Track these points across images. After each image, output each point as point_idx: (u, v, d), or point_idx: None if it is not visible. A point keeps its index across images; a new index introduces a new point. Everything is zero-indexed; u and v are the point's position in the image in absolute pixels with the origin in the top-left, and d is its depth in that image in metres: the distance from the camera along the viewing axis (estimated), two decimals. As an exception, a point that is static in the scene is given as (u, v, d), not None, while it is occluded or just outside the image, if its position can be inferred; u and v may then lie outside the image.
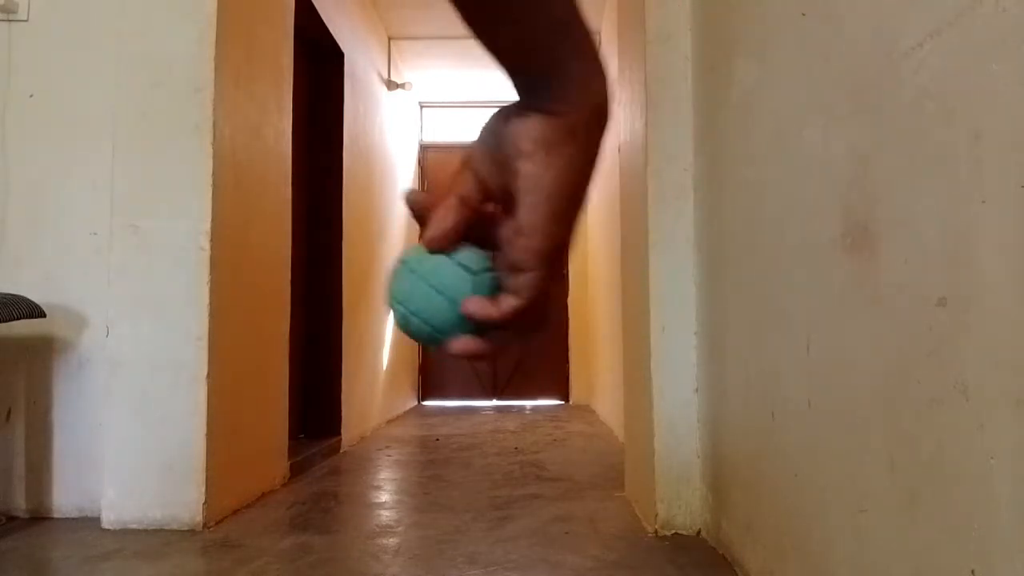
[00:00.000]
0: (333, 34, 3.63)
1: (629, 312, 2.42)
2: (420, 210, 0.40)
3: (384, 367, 4.82)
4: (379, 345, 4.68)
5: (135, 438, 2.09)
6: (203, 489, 2.07)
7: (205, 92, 2.16)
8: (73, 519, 2.20)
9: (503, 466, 3.08)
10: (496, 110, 0.39)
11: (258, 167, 2.52)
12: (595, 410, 5.39)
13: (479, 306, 0.38)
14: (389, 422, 4.85)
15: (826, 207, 1.13)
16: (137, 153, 2.16)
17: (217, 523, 2.13)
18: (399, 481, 2.94)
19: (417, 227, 0.41)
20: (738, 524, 1.66)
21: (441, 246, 0.39)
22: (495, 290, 0.39)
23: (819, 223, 1.16)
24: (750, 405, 1.57)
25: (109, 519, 2.07)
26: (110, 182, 2.17)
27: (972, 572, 0.74)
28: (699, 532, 1.96)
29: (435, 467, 3.15)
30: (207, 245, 2.13)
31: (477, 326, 0.38)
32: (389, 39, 5.08)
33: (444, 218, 0.39)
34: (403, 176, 5.54)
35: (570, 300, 6.08)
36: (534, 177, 0.37)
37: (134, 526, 2.06)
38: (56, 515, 2.23)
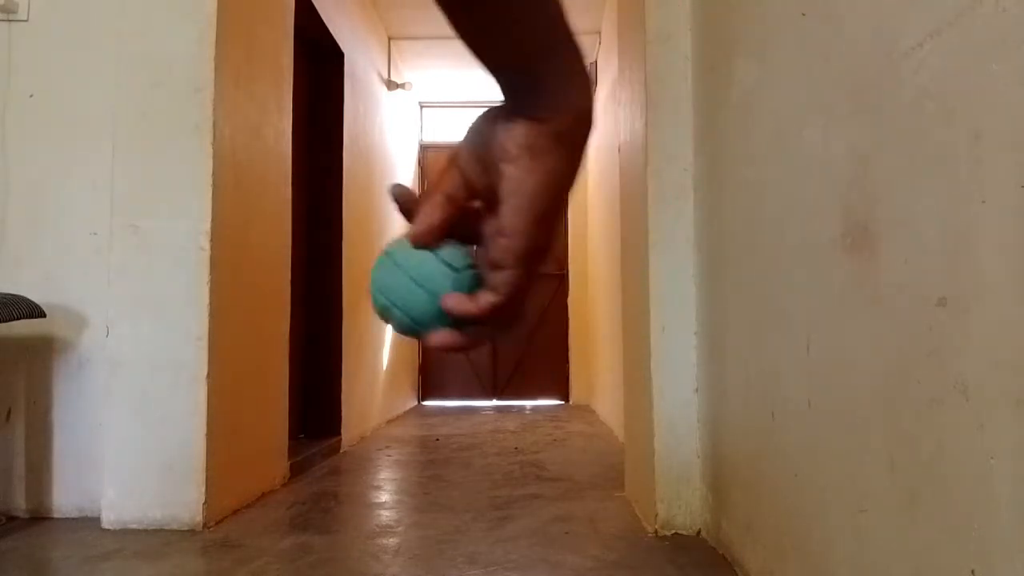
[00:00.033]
0: (333, 34, 3.63)
1: (629, 312, 2.42)
2: (404, 204, 0.42)
3: (384, 367, 4.82)
4: (379, 345, 4.68)
5: (135, 438, 2.09)
6: (203, 489, 2.07)
7: (205, 92, 2.16)
8: (73, 519, 2.20)
9: (503, 466, 3.08)
10: (484, 111, 0.40)
11: (258, 167, 2.52)
12: (595, 410, 5.39)
13: (458, 302, 0.39)
14: (389, 422, 4.85)
15: (826, 207, 1.13)
16: (137, 153, 2.16)
17: (217, 523, 2.13)
18: (399, 481, 2.94)
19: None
20: (738, 524, 1.66)
21: (426, 242, 0.40)
22: (475, 286, 0.40)
23: (819, 223, 1.16)
24: (750, 405, 1.57)
25: (109, 519, 2.07)
26: (110, 182, 2.17)
27: (972, 572, 0.74)
28: (699, 532, 1.96)
29: (435, 467, 3.15)
30: (207, 245, 2.13)
31: (456, 320, 0.40)
32: (389, 39, 5.08)
33: (430, 214, 0.40)
34: (403, 176, 5.54)
35: (570, 300, 6.08)
36: (518, 180, 0.38)
37: (134, 526, 2.06)
38: (56, 515, 2.23)
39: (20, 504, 2.23)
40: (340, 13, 3.78)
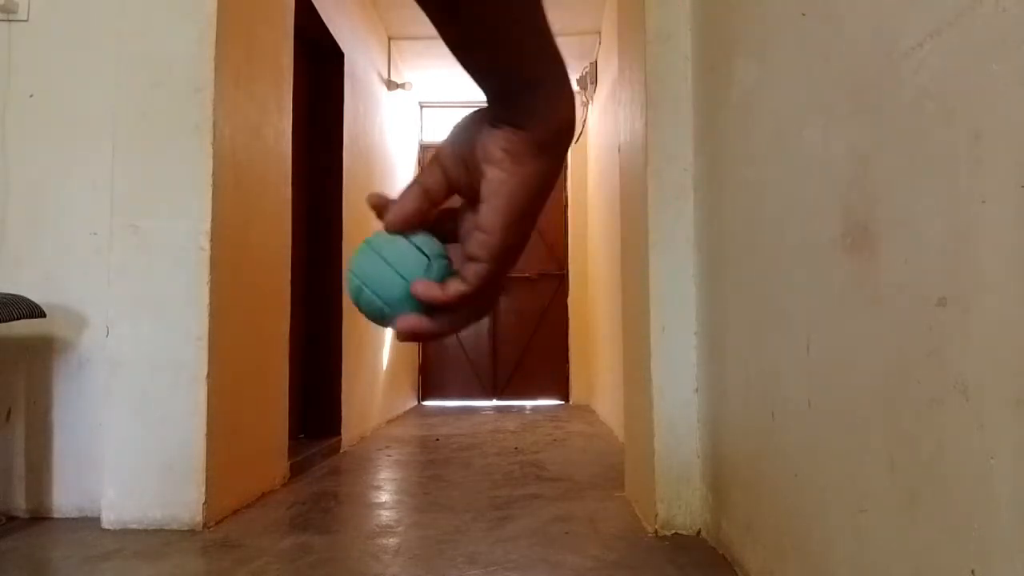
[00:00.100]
0: (333, 34, 3.63)
1: (629, 312, 2.42)
2: (381, 211, 0.43)
3: (384, 367, 4.82)
4: (379, 345, 4.68)
5: (135, 438, 2.09)
6: (203, 489, 2.07)
7: (205, 92, 2.16)
8: (73, 519, 2.20)
9: (503, 466, 3.08)
10: (470, 112, 0.42)
11: (258, 167, 2.52)
12: (595, 410, 5.39)
13: (426, 287, 0.40)
14: (389, 422, 4.85)
15: (826, 207, 1.13)
16: (137, 153, 2.16)
17: (217, 523, 2.13)
18: (399, 481, 2.94)
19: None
20: (738, 524, 1.66)
21: (398, 228, 0.42)
22: (445, 276, 0.41)
23: (819, 223, 1.16)
24: (750, 405, 1.57)
25: (109, 519, 2.07)
26: (110, 182, 2.17)
27: (972, 572, 0.74)
28: (699, 532, 1.96)
29: (435, 467, 3.15)
30: (207, 245, 2.13)
31: (424, 307, 0.41)
32: (389, 39, 5.08)
33: (404, 203, 0.42)
34: (403, 176, 5.54)
35: (570, 300, 6.08)
36: (498, 182, 0.39)
37: (134, 526, 2.06)
38: (56, 515, 2.23)
39: (20, 504, 2.23)
40: (340, 13, 3.78)
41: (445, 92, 6.09)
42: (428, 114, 6.42)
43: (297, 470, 2.90)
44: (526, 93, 0.39)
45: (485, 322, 6.18)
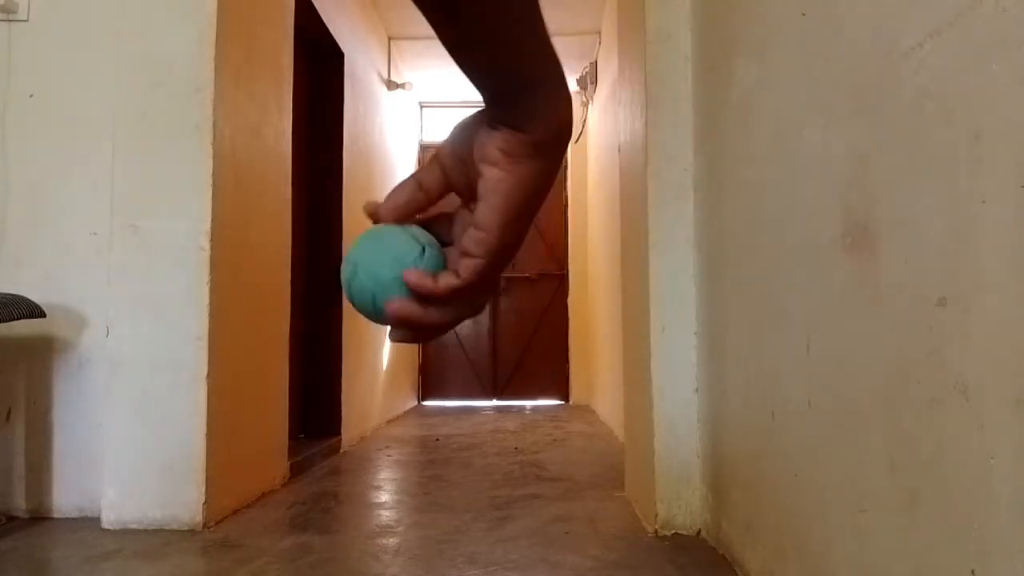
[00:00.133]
0: (333, 34, 3.63)
1: (629, 312, 2.42)
2: (376, 217, 0.44)
3: (384, 367, 4.82)
4: (379, 345, 4.68)
5: (135, 438, 2.09)
6: (203, 489, 2.07)
7: (205, 92, 2.16)
8: (73, 519, 2.20)
9: (503, 466, 3.08)
10: (471, 113, 0.42)
11: (258, 167, 2.52)
12: (595, 410, 5.39)
13: (419, 276, 0.40)
14: (389, 422, 4.85)
15: (826, 207, 1.13)
16: (137, 153, 2.16)
17: (217, 523, 2.13)
18: (399, 481, 2.94)
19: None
20: (738, 524, 1.66)
21: (390, 217, 0.43)
22: (439, 268, 0.41)
23: (819, 223, 1.16)
24: (750, 405, 1.57)
25: (109, 519, 2.07)
26: (110, 182, 2.17)
27: (972, 572, 0.74)
28: (699, 532, 1.96)
29: (435, 467, 3.15)
30: (207, 245, 2.13)
31: (415, 298, 0.41)
32: (389, 39, 5.08)
33: (397, 194, 0.43)
34: (403, 176, 5.54)
35: (570, 300, 6.08)
36: (496, 181, 0.40)
37: (134, 526, 2.06)
38: (56, 515, 2.23)
39: (20, 504, 2.23)
40: (340, 13, 3.78)
41: (445, 92, 6.09)
42: (428, 114, 6.42)
43: (297, 470, 2.90)
44: (523, 94, 0.39)
45: (485, 322, 6.19)
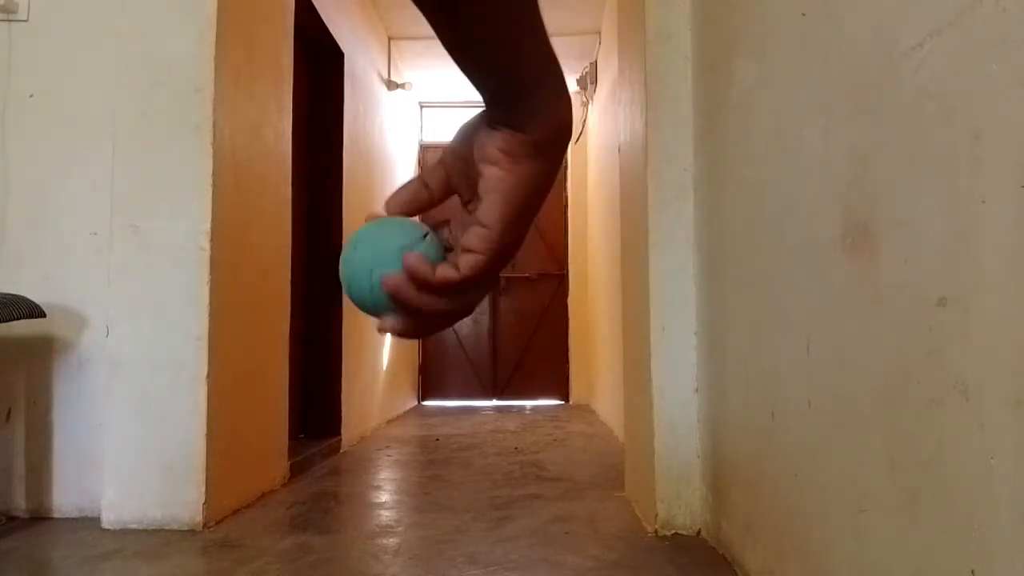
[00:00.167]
0: (333, 34, 3.63)
1: (629, 312, 2.42)
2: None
3: (384, 367, 4.82)
4: (379, 345, 4.68)
5: (135, 438, 2.09)
6: (203, 489, 2.07)
7: (205, 92, 2.16)
8: (73, 519, 2.20)
9: (503, 466, 3.08)
10: (474, 115, 0.43)
11: (258, 167, 2.52)
12: (595, 410, 5.39)
13: (418, 260, 0.40)
14: (389, 422, 4.85)
15: (826, 207, 1.13)
16: (137, 153, 2.16)
17: (217, 523, 2.13)
18: (399, 481, 2.94)
19: None
20: (738, 524, 1.66)
21: (394, 212, 0.43)
22: (438, 259, 0.41)
23: (819, 223, 1.16)
24: (750, 405, 1.57)
25: (109, 519, 2.07)
26: (110, 182, 2.17)
27: (972, 572, 0.74)
28: (699, 532, 1.96)
29: (435, 467, 3.15)
30: (207, 245, 2.13)
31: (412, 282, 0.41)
32: (389, 39, 5.08)
33: (402, 191, 0.44)
34: (403, 176, 5.54)
35: (570, 300, 6.08)
36: (496, 179, 0.40)
37: (134, 526, 2.06)
38: (56, 515, 2.23)
39: (20, 504, 2.23)
40: (340, 13, 3.78)
41: (445, 92, 6.09)
42: (428, 114, 6.42)
43: (297, 470, 2.90)
44: (523, 95, 0.39)
45: (485, 322, 6.19)
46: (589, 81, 5.19)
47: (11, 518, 2.21)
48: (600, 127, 5.12)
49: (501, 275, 0.44)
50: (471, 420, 4.93)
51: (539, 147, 0.40)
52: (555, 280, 6.14)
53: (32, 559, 1.88)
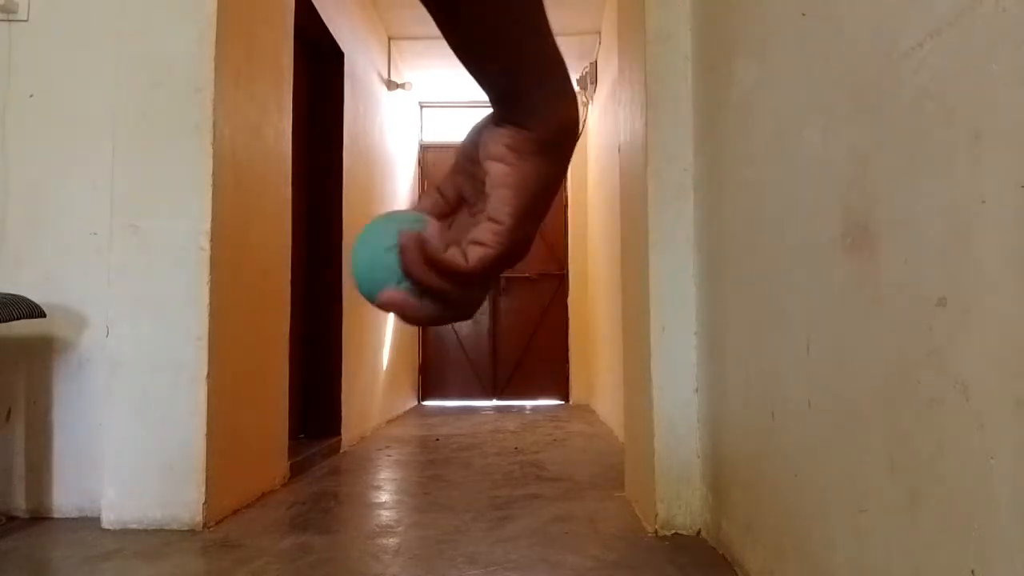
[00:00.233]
0: (333, 34, 3.63)
1: (629, 312, 2.42)
2: None
3: (384, 367, 4.82)
4: (379, 345, 4.68)
5: (135, 438, 2.09)
6: (203, 489, 2.07)
7: (205, 92, 2.16)
8: (73, 519, 2.20)
9: (503, 466, 3.08)
10: (480, 119, 0.43)
11: (258, 167, 2.52)
12: (595, 410, 5.39)
13: (436, 230, 0.41)
14: (389, 422, 4.85)
15: (826, 207, 1.13)
16: (137, 153, 2.16)
17: (217, 523, 2.13)
18: (399, 481, 2.94)
19: None
20: (738, 524, 1.66)
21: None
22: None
23: (819, 223, 1.16)
24: (750, 405, 1.57)
25: (109, 519, 2.07)
26: (110, 182, 2.17)
27: (972, 572, 0.74)
28: (699, 532, 1.96)
29: (435, 467, 3.15)
30: (207, 245, 2.13)
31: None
32: (389, 39, 5.08)
33: (422, 202, 0.44)
34: (403, 176, 5.54)
35: (570, 300, 6.08)
36: (504, 175, 0.40)
37: (134, 526, 2.06)
38: (56, 515, 2.23)
39: (20, 504, 2.23)
40: (340, 13, 3.78)
41: (445, 92, 6.09)
42: (428, 114, 6.42)
43: (297, 470, 2.90)
44: (524, 94, 0.39)
45: (485, 322, 6.19)
46: (589, 81, 5.19)
47: (11, 518, 2.21)
48: (600, 127, 5.12)
49: (501, 275, 0.44)
50: (471, 420, 4.93)
51: (544, 145, 0.40)
52: (555, 280, 6.14)
53: (32, 559, 1.88)
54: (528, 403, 6.09)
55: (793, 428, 1.30)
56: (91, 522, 2.12)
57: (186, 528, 2.05)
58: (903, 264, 0.89)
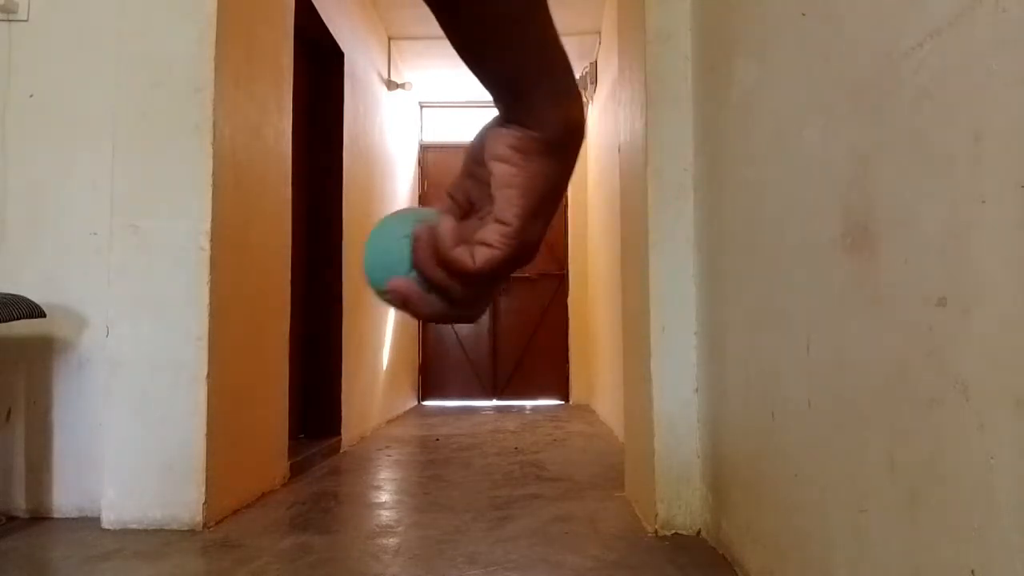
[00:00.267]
0: (333, 34, 3.63)
1: (629, 312, 2.42)
2: None
3: (384, 367, 4.82)
4: (379, 345, 4.68)
5: (135, 438, 2.09)
6: (203, 489, 2.07)
7: (205, 92, 2.16)
8: (73, 519, 2.20)
9: (503, 466, 3.08)
10: (488, 120, 0.42)
11: (258, 167, 2.52)
12: (595, 410, 5.39)
13: (450, 224, 0.40)
14: (389, 422, 4.85)
15: (826, 207, 1.13)
16: (137, 153, 2.16)
17: (217, 523, 2.13)
18: (399, 481, 2.94)
19: None
20: (738, 524, 1.66)
21: None
22: None
23: (819, 223, 1.16)
24: (750, 405, 1.57)
25: (109, 519, 2.07)
26: (110, 182, 2.17)
27: (972, 572, 0.74)
28: (699, 532, 1.96)
29: (435, 467, 3.15)
30: (207, 245, 2.13)
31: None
32: (389, 39, 5.08)
33: (436, 207, 0.44)
34: (403, 176, 5.54)
35: (570, 300, 6.08)
36: (510, 176, 0.39)
37: (134, 526, 2.06)
38: (56, 515, 2.23)
39: (20, 504, 2.23)
40: (340, 13, 3.78)
41: (445, 92, 6.09)
42: (428, 114, 6.42)
43: (297, 470, 2.90)
44: (531, 92, 0.39)
45: (485, 322, 6.19)
46: (589, 81, 5.19)
47: (11, 518, 2.21)
48: (600, 127, 5.12)
49: (508, 278, 0.43)
50: (471, 420, 4.93)
51: (548, 145, 0.40)
52: (555, 280, 6.14)
53: (32, 559, 1.88)
54: (528, 403, 6.10)
55: (793, 428, 1.30)
56: (91, 522, 2.12)
57: (186, 528, 2.05)
58: (903, 264, 0.89)
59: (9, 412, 2.26)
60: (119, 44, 2.20)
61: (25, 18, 2.34)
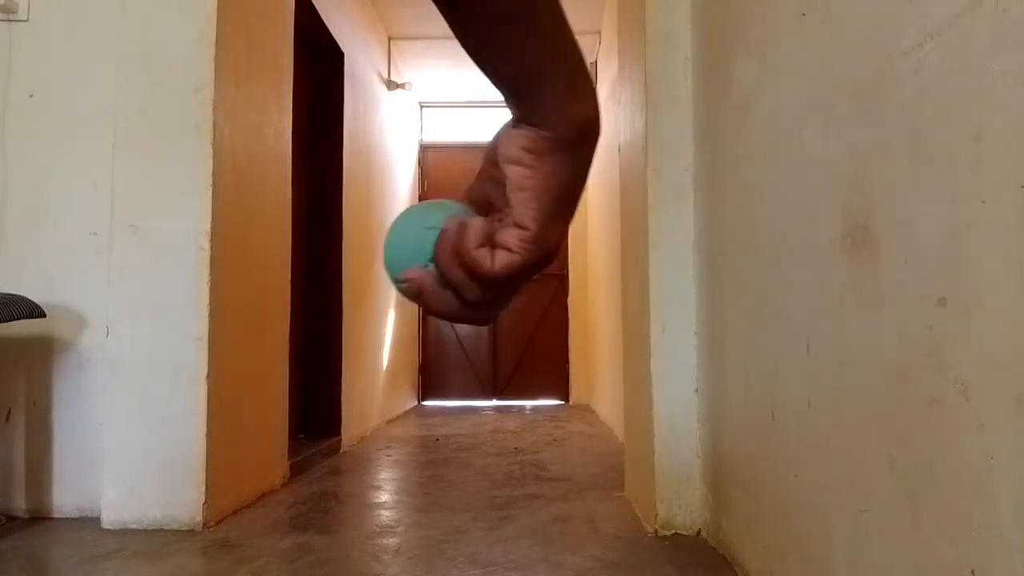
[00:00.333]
0: (333, 34, 3.63)
1: (629, 312, 2.42)
2: None
3: (384, 367, 4.82)
4: (379, 345, 4.68)
5: (135, 438, 2.09)
6: (203, 489, 2.07)
7: (205, 92, 2.16)
8: (73, 519, 2.20)
9: (503, 466, 3.08)
10: (503, 124, 0.42)
11: (258, 167, 2.52)
12: (595, 410, 5.39)
13: (480, 224, 0.39)
14: (389, 422, 4.85)
15: (826, 207, 1.13)
16: (137, 153, 2.16)
17: (217, 523, 2.13)
18: (399, 481, 2.94)
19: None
20: (738, 524, 1.66)
21: None
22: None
23: (819, 223, 1.16)
24: (750, 405, 1.57)
25: (109, 519, 2.07)
26: (110, 182, 2.17)
27: (972, 572, 0.74)
28: (699, 532, 1.96)
29: (435, 467, 3.15)
30: (207, 245, 2.13)
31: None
32: (389, 39, 5.08)
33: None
34: (403, 176, 5.54)
35: (570, 300, 6.08)
36: (522, 178, 0.39)
37: (134, 526, 2.06)
38: (56, 515, 2.23)
39: (20, 504, 2.23)
40: (340, 13, 3.78)
41: (445, 92, 6.09)
42: (428, 114, 6.42)
43: (297, 470, 2.90)
44: (542, 91, 0.38)
45: (485, 322, 6.18)
46: (589, 81, 5.18)
47: (11, 518, 2.21)
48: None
49: (526, 283, 0.42)
50: (471, 420, 4.93)
51: (561, 144, 0.39)
52: (555, 280, 6.14)
53: (32, 559, 1.88)
54: (528, 403, 6.09)
55: (793, 428, 1.30)
56: (91, 522, 2.12)
57: (186, 528, 2.05)
58: (903, 264, 0.89)
59: (9, 412, 2.26)
60: (119, 44, 2.20)
61: (25, 18, 2.34)
